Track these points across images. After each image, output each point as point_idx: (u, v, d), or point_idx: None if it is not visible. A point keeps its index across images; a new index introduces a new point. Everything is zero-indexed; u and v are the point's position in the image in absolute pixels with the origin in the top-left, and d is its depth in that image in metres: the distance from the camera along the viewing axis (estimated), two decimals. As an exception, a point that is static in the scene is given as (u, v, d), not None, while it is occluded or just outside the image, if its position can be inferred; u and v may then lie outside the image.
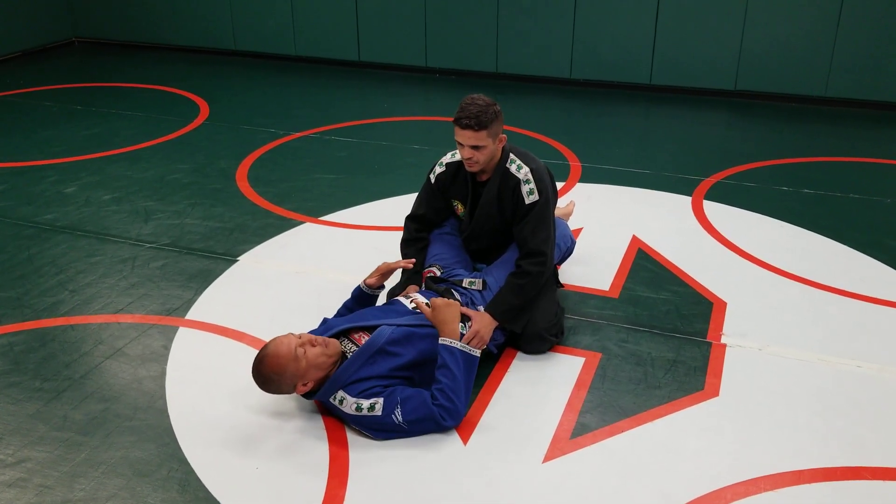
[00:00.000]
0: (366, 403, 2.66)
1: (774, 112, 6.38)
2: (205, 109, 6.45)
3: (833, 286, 3.67)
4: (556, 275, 3.47)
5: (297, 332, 2.75)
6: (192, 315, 3.48)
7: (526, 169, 3.14)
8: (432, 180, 3.36)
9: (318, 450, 2.66)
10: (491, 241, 3.36)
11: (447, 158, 3.34)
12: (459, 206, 3.35)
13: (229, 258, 3.99)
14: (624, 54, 6.80)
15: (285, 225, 4.36)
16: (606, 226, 4.30)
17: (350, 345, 2.80)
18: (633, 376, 3.05)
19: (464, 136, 3.02)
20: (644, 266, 3.88)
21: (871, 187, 4.84)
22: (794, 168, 5.19)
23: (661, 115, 6.46)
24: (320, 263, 3.91)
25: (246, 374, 3.04)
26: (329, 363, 2.71)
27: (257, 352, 2.71)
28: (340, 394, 2.68)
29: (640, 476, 2.55)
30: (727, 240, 4.13)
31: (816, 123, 6.14)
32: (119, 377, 3.06)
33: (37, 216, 4.49)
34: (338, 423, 2.78)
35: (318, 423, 2.78)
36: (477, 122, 2.96)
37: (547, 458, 2.63)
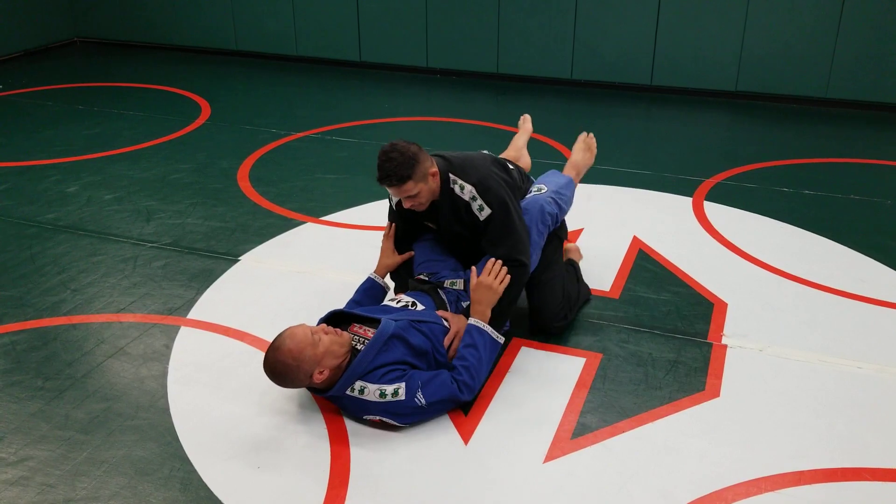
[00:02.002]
0: (389, 389, 2.67)
1: (775, 113, 6.39)
2: (206, 109, 6.45)
3: (833, 287, 3.68)
4: (563, 228, 3.45)
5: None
6: (193, 314, 3.49)
7: (468, 187, 3.04)
8: (393, 207, 3.32)
9: (320, 449, 2.66)
10: (472, 245, 3.25)
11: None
12: (430, 224, 3.30)
13: (231, 258, 4.00)
14: (625, 55, 6.80)
15: (287, 225, 4.36)
16: (607, 226, 4.30)
17: (356, 338, 2.80)
18: (634, 377, 3.06)
19: (392, 191, 3.02)
20: (645, 267, 3.89)
21: (871, 188, 4.85)
22: (794, 169, 5.20)
23: (662, 116, 6.47)
24: (321, 263, 3.91)
25: (248, 373, 3.06)
26: (342, 352, 2.70)
27: (269, 346, 2.67)
28: (360, 384, 2.69)
29: (641, 476, 2.56)
30: (728, 241, 4.14)
31: (817, 124, 6.14)
32: (121, 376, 3.07)
33: (38, 215, 4.50)
34: (339, 422, 2.78)
35: (320, 423, 2.79)
36: (396, 178, 2.91)
37: (548, 458, 2.64)
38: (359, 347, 2.76)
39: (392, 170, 2.91)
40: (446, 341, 2.90)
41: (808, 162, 5.33)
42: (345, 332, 2.76)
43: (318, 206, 4.59)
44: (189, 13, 8.14)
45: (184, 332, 3.36)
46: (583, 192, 4.78)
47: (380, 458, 2.64)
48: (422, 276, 3.27)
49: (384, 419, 2.71)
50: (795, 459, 2.62)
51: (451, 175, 3.06)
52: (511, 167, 3.36)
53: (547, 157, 5.33)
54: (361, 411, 2.74)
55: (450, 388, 2.73)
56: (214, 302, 3.59)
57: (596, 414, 2.85)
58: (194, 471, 2.58)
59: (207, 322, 3.43)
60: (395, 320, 2.85)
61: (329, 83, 7.34)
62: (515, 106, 6.62)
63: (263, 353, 2.70)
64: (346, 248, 4.07)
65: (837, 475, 2.56)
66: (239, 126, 6.05)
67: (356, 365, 2.69)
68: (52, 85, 7.21)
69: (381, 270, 3.33)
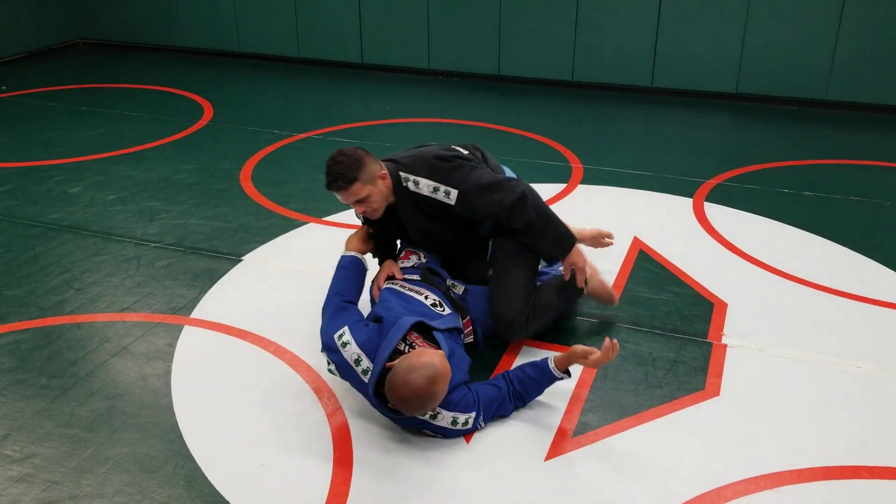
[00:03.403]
0: (462, 418, 2.64)
1: (775, 115, 6.41)
2: (209, 110, 6.48)
3: (833, 287, 3.70)
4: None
5: (426, 348, 2.63)
6: (196, 314, 3.51)
7: (423, 181, 2.97)
8: (360, 219, 3.25)
9: (322, 446, 2.68)
10: (444, 235, 3.15)
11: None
12: (394, 229, 3.24)
13: (234, 258, 4.02)
14: (625, 57, 6.82)
15: (289, 225, 4.38)
16: (608, 227, 4.30)
17: (407, 347, 2.67)
18: (635, 376, 3.08)
19: (340, 196, 2.95)
20: (645, 267, 3.91)
21: (870, 190, 4.87)
22: (794, 170, 5.22)
23: (663, 118, 6.49)
24: (324, 263, 3.93)
25: (251, 372, 3.08)
26: None
27: (411, 372, 2.46)
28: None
29: (641, 474, 2.58)
30: (728, 241, 4.16)
31: (817, 126, 6.16)
32: (125, 375, 3.09)
33: (42, 215, 4.52)
34: (342, 419, 2.80)
35: (323, 420, 2.81)
36: (342, 179, 2.87)
37: (549, 456, 2.65)
38: None
39: (338, 172, 2.87)
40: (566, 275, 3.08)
41: (807, 163, 5.35)
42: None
43: (320, 206, 4.61)
44: (192, 15, 8.16)
45: (187, 330, 3.38)
46: (583, 194, 4.80)
47: (382, 455, 2.65)
48: (420, 256, 3.18)
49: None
50: (794, 458, 2.64)
51: (401, 174, 3.00)
52: (462, 150, 3.17)
53: (549, 159, 5.36)
54: (418, 426, 2.69)
55: (506, 408, 2.77)
56: (217, 301, 3.61)
57: (597, 413, 2.87)
58: (198, 468, 2.60)
59: (210, 321, 3.45)
60: (444, 329, 2.77)
61: (331, 84, 7.36)
62: (517, 108, 6.65)
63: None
64: (348, 249, 4.08)
65: (836, 473, 2.57)
66: (241, 127, 6.07)
67: None
68: (55, 86, 7.23)
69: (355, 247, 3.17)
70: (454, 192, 2.95)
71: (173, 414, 2.86)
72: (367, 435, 2.74)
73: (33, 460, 2.64)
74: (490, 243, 3.27)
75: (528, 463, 2.62)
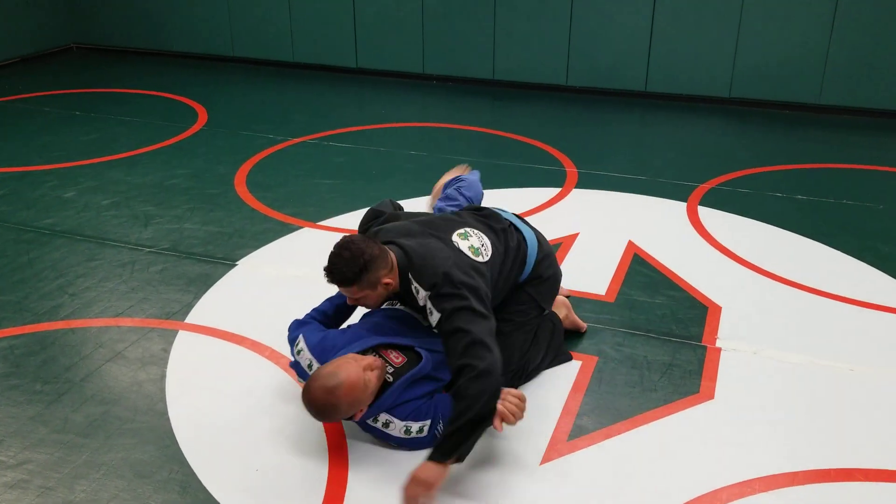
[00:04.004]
0: (415, 426, 2.62)
1: (769, 119, 6.43)
2: (203, 115, 6.47)
3: (826, 291, 3.71)
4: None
5: (355, 356, 2.60)
6: (191, 319, 3.50)
7: (423, 293, 2.66)
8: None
9: (318, 451, 2.68)
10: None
11: None
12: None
13: (228, 262, 4.01)
14: (619, 62, 6.84)
15: (284, 230, 4.38)
16: (602, 231, 4.33)
17: (389, 366, 2.66)
18: (630, 379, 3.08)
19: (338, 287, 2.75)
20: (640, 271, 3.92)
21: (863, 193, 4.89)
22: (787, 174, 5.24)
23: (657, 122, 6.51)
24: (318, 268, 3.91)
25: (246, 376, 3.08)
26: (378, 386, 2.59)
27: (315, 380, 2.50)
28: (385, 416, 2.61)
29: (637, 477, 2.58)
30: (722, 245, 4.17)
31: (810, 130, 6.19)
32: (119, 380, 3.09)
33: (36, 221, 4.52)
34: (337, 425, 2.80)
35: (318, 425, 2.80)
36: (341, 279, 2.65)
37: (544, 459, 2.66)
38: (389, 379, 2.63)
39: (337, 269, 2.64)
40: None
41: (801, 167, 5.37)
42: (381, 363, 2.63)
43: (314, 210, 4.61)
44: (186, 19, 8.16)
45: (182, 335, 3.38)
46: (578, 197, 4.81)
47: (377, 460, 2.65)
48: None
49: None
50: (789, 460, 2.65)
51: (410, 275, 2.70)
52: (479, 260, 2.80)
53: (544, 164, 5.37)
54: (380, 438, 2.68)
55: None
56: (212, 306, 3.61)
57: (592, 416, 2.87)
58: (193, 473, 2.59)
59: (205, 326, 3.44)
60: (429, 349, 2.73)
61: (326, 89, 7.37)
62: (511, 112, 6.66)
63: (302, 384, 2.57)
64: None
65: (830, 476, 2.58)
66: (236, 131, 6.07)
67: (385, 398, 2.59)
68: (49, 91, 7.22)
69: None
70: (436, 316, 2.63)
71: (168, 419, 2.85)
72: (362, 440, 2.73)
73: (27, 466, 2.63)
74: None
75: (524, 467, 2.62)
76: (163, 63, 8.26)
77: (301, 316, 3.02)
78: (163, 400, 2.96)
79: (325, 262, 2.67)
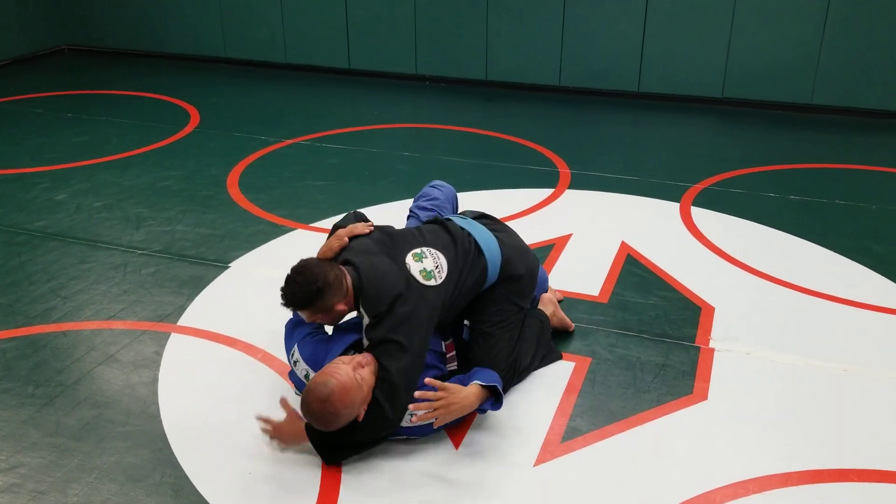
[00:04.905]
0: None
1: (761, 119, 6.45)
2: (195, 117, 6.46)
3: (819, 291, 3.72)
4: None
5: (343, 359, 2.60)
6: (183, 321, 3.49)
7: (367, 319, 2.68)
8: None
9: (311, 455, 2.67)
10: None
11: None
12: None
13: (221, 264, 4.00)
14: (612, 62, 6.85)
15: (276, 231, 4.37)
16: (595, 232, 4.33)
17: (353, 352, 2.72)
18: (623, 380, 3.08)
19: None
20: (633, 272, 3.92)
21: (856, 193, 4.90)
22: (780, 174, 5.25)
23: (650, 123, 6.52)
24: (312, 270, 3.92)
25: (238, 379, 3.07)
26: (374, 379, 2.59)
27: (310, 392, 2.49)
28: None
29: (630, 479, 2.58)
30: (715, 245, 4.18)
31: (802, 130, 6.20)
32: (111, 383, 3.07)
33: (28, 223, 4.49)
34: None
35: (311, 428, 2.80)
36: (294, 302, 2.70)
37: (538, 461, 2.66)
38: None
39: (289, 294, 2.70)
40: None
41: (793, 167, 5.39)
42: (371, 358, 2.61)
43: (307, 212, 4.60)
44: (177, 21, 8.14)
45: (174, 338, 3.37)
46: (571, 198, 4.82)
47: (371, 463, 2.65)
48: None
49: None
50: (782, 461, 2.65)
51: (360, 302, 2.71)
52: (429, 284, 2.74)
53: (536, 164, 5.37)
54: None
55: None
56: (204, 309, 3.59)
57: (585, 417, 2.87)
58: (185, 477, 2.58)
59: (197, 328, 3.43)
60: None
61: (318, 90, 7.36)
62: (504, 113, 6.66)
63: (302, 394, 2.54)
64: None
65: (824, 476, 2.59)
66: (228, 133, 6.06)
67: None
68: (40, 93, 7.19)
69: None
70: (365, 342, 2.69)
71: (160, 422, 2.84)
72: (356, 442, 2.73)
73: (19, 470, 2.62)
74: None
75: (518, 468, 2.62)
76: (155, 64, 8.23)
77: (295, 315, 3.01)
78: (155, 403, 2.95)
79: (281, 289, 2.72)
